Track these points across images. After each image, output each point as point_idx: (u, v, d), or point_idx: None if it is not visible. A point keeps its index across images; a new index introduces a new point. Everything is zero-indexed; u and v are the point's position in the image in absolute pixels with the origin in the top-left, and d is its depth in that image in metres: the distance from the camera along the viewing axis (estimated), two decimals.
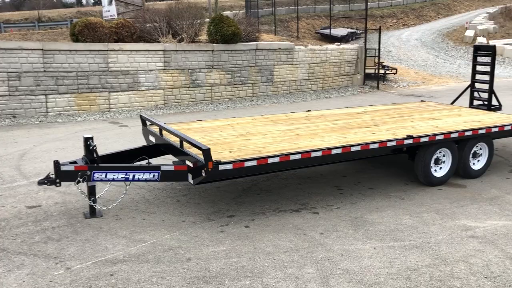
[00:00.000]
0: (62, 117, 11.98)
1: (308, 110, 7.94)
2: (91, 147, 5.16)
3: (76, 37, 13.52)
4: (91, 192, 5.34)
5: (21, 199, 5.97)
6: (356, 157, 6.02)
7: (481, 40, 28.26)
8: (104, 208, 5.44)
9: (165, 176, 5.20)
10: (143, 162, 5.59)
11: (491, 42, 26.69)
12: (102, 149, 7.99)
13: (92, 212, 5.40)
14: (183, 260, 4.37)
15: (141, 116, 6.55)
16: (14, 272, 4.13)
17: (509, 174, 7.12)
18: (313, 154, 5.28)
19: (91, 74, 12.70)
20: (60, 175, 5.07)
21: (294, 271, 4.17)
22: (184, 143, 5.26)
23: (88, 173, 5.08)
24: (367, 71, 18.20)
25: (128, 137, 9.70)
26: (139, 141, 9.13)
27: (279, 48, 15.74)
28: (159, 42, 14.33)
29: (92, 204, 5.34)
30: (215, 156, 4.83)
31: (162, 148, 6.05)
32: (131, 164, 5.38)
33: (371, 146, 5.66)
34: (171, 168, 5.20)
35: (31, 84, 11.94)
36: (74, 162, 5.32)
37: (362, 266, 4.27)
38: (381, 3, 38.88)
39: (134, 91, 13.35)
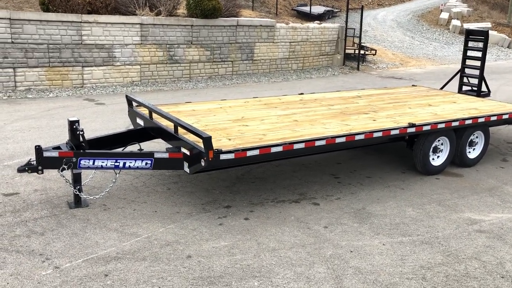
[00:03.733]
0: (32, 92, 11.26)
1: (301, 93, 7.62)
2: (77, 132, 4.70)
3: (46, 7, 12.66)
4: (77, 180, 4.91)
5: None
6: (358, 145, 5.79)
7: (456, 23, 28.46)
8: (91, 197, 5.02)
9: (159, 164, 4.81)
10: (131, 147, 5.18)
11: (465, 25, 26.91)
12: None
13: (77, 202, 4.98)
14: (183, 258, 4.05)
15: (127, 96, 6.08)
16: None
17: (502, 163, 7.06)
18: (317, 143, 5.00)
19: (64, 47, 11.94)
20: (42, 161, 4.62)
21: (303, 270, 3.92)
22: (179, 128, 4.87)
23: (74, 159, 4.65)
24: (346, 51, 17.96)
25: (106, 116, 9.16)
26: (119, 121, 8.64)
27: (260, 25, 15.26)
28: (136, 14, 13.62)
29: (77, 193, 4.92)
30: (214, 144, 4.47)
31: (151, 132, 5.64)
32: (121, 151, 4.96)
33: (375, 135, 5.42)
34: (166, 155, 4.82)
35: None
36: (57, 147, 4.87)
37: (374, 264, 4.06)
38: None
39: (109, 66, 12.67)
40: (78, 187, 4.91)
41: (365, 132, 5.37)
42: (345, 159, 6.91)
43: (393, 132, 5.59)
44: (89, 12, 12.94)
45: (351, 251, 4.26)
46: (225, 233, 4.52)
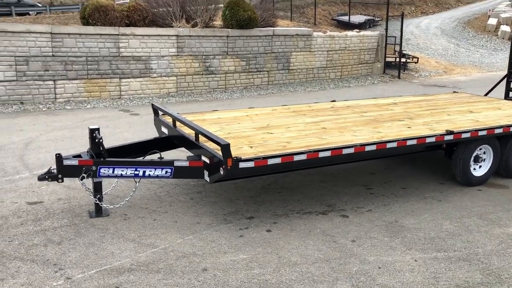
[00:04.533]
0: (71, 103, 11.51)
1: (333, 101, 7.34)
2: (96, 140, 4.64)
3: (86, 21, 12.99)
4: (97, 188, 4.83)
5: (22, 194, 5.50)
6: (390, 154, 5.46)
7: (505, 29, 27.24)
8: (111, 206, 4.93)
9: (179, 172, 4.67)
10: (155, 156, 5.07)
11: None
12: (112, 139, 7.54)
13: (98, 211, 4.90)
14: (198, 271, 3.86)
15: (152, 105, 6.02)
16: (8, 282, 3.65)
17: None
18: (345, 151, 4.71)
19: (102, 59, 12.18)
20: (62, 170, 4.56)
21: None
22: (200, 136, 4.72)
23: (94, 168, 4.57)
24: (387, 59, 17.45)
25: (139, 126, 9.19)
26: (151, 131, 8.61)
27: (297, 34, 15.07)
28: (172, 26, 13.75)
29: (97, 202, 4.84)
30: (234, 152, 4.28)
31: (175, 140, 5.53)
32: (141, 159, 4.85)
33: (409, 143, 5.07)
34: (186, 164, 4.67)
35: (39, 69, 11.45)
36: (78, 156, 4.82)
37: (403, 282, 3.72)
38: None
39: (146, 77, 12.81)
40: (99, 196, 4.84)
41: (398, 140, 5.03)
42: (379, 169, 6.55)
43: (428, 140, 5.22)
44: (127, 25, 13.16)
45: (379, 267, 3.93)
46: (245, 246, 4.29)
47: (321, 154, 4.59)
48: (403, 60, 17.75)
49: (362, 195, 5.58)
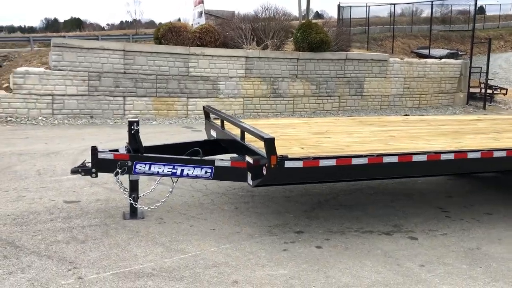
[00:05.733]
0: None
1: (406, 115, 6.54)
2: (133, 131, 4.25)
3: (159, 41, 13.21)
4: (133, 188, 4.42)
5: (63, 193, 5.23)
6: (472, 170, 4.57)
7: None
8: (146, 208, 4.49)
9: (220, 173, 4.15)
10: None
11: None
12: None
13: (133, 212, 4.47)
14: (227, 283, 3.24)
15: (204, 108, 5.63)
16: (16, 275, 3.25)
17: None
18: (415, 158, 3.93)
19: (171, 78, 12.20)
20: (97, 164, 4.21)
21: None
22: (246, 135, 4.19)
23: (129, 163, 4.18)
24: (471, 90, 16.07)
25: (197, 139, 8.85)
26: None
27: (372, 59, 14.34)
28: (242, 48, 13.60)
29: (132, 202, 4.41)
30: (281, 152, 3.69)
31: (222, 143, 5.04)
32: (180, 157, 4.39)
33: (496, 154, 4.18)
34: (228, 164, 4.14)
35: (110, 85, 11.65)
36: (115, 150, 4.46)
37: None
38: (487, 25, 35.63)
39: (212, 98, 12.64)
40: (134, 195, 4.41)
41: (482, 150, 4.16)
42: (459, 192, 5.61)
43: None
44: (198, 46, 13.19)
45: None
46: (288, 260, 3.62)
47: (386, 160, 3.85)
48: (489, 91, 16.30)
49: (436, 218, 4.70)
